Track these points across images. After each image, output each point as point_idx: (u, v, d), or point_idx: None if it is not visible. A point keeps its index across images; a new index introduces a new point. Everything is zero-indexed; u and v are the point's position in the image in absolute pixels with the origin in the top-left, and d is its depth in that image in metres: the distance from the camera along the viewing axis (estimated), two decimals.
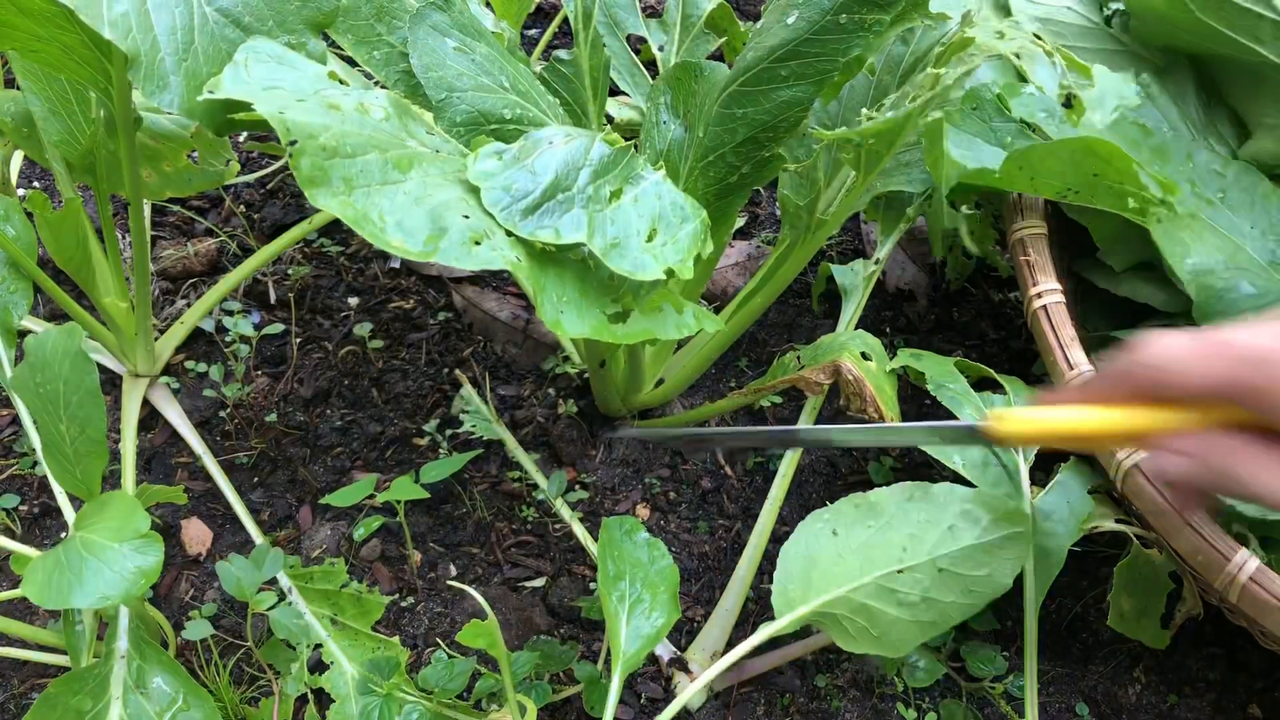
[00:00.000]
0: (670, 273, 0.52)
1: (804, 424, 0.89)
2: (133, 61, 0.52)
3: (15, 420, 0.99)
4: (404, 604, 0.88)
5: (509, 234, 0.50)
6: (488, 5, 1.16)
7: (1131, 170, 0.75)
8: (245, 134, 1.29)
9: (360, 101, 0.52)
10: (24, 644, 0.83)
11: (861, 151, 0.79)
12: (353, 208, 0.46)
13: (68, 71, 0.73)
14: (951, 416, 0.83)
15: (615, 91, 1.09)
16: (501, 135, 0.66)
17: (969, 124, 0.85)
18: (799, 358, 0.83)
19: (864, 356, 0.79)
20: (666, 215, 0.53)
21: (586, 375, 1.03)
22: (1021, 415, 0.47)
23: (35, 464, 0.95)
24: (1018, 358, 1.07)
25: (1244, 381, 0.42)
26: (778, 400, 1.02)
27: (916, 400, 1.03)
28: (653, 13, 1.00)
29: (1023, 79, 0.88)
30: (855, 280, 0.95)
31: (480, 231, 0.49)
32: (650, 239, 0.52)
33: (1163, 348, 0.44)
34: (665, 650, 0.84)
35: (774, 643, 0.75)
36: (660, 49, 0.98)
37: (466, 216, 0.49)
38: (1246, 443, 0.43)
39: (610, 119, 1.08)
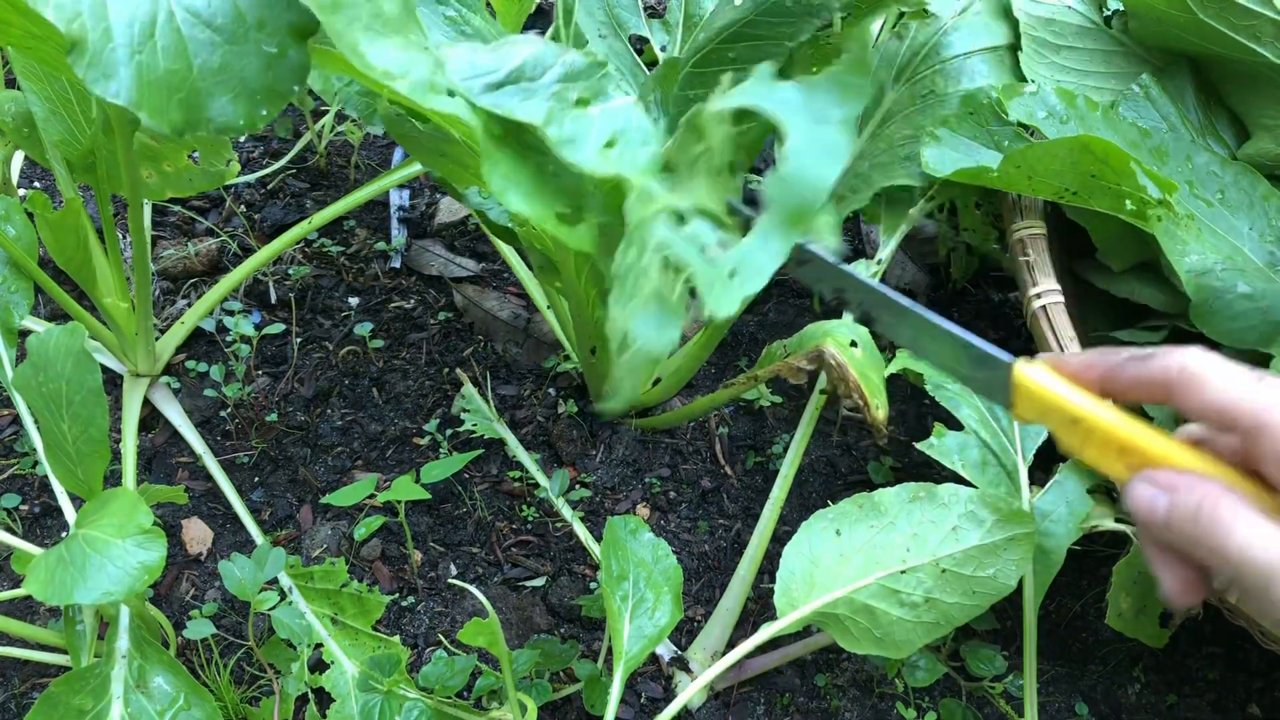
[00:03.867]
0: (620, 179, 0.52)
1: (807, 422, 0.89)
2: (75, 46, 0.49)
3: (16, 420, 0.99)
4: (404, 603, 0.88)
5: (471, 106, 0.50)
6: (488, 3, 1.16)
7: (1129, 170, 0.75)
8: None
9: None
10: (25, 643, 0.83)
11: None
12: (335, 19, 0.47)
13: (66, 70, 0.72)
14: (951, 417, 0.84)
15: None
16: None
17: (966, 128, 0.86)
18: (785, 346, 0.83)
19: (852, 344, 0.79)
20: (629, 133, 0.52)
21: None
22: (1044, 381, 0.45)
23: (36, 464, 0.95)
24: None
25: (1258, 416, 0.39)
26: (778, 400, 1.02)
27: (916, 400, 1.03)
28: (656, 13, 1.00)
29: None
30: None
31: (443, 87, 0.49)
32: (608, 146, 0.51)
33: (1206, 357, 0.41)
34: (666, 650, 0.84)
35: (774, 642, 0.75)
36: (663, 49, 0.98)
37: (434, 73, 0.50)
38: (1234, 492, 0.40)
39: None
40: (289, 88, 0.52)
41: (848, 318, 0.89)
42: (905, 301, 0.50)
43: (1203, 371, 0.41)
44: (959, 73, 0.89)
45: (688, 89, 0.75)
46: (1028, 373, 0.45)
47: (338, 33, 0.47)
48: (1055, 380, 0.45)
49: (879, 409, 0.77)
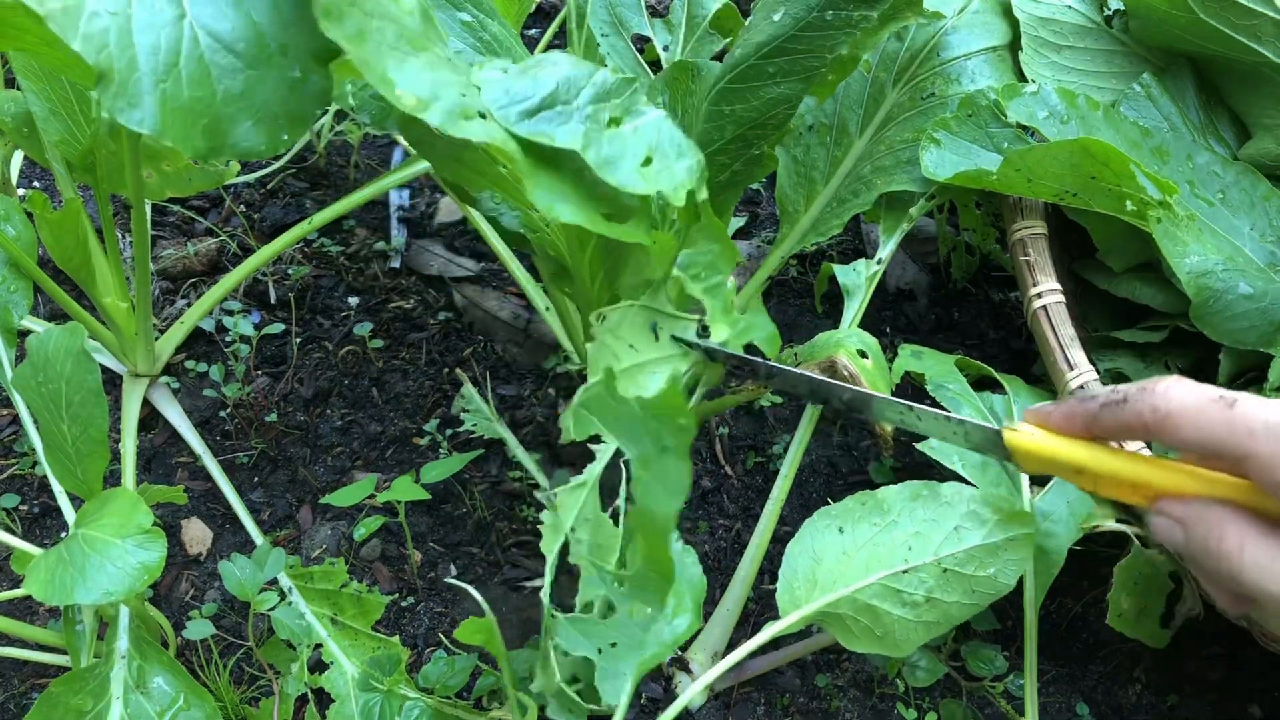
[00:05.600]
0: (660, 196, 0.53)
1: (807, 422, 0.89)
2: (102, 77, 0.49)
3: (15, 420, 0.99)
4: (404, 604, 0.88)
5: (504, 130, 0.51)
6: None
7: (1129, 171, 0.75)
8: None
9: None
10: (24, 644, 0.83)
11: None
12: (362, 49, 0.47)
13: (76, 73, 0.72)
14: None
15: None
16: None
17: (965, 130, 0.85)
18: (796, 354, 0.83)
19: (861, 354, 0.79)
20: (664, 147, 0.54)
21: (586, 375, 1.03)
22: (1037, 439, 0.47)
23: (35, 464, 0.95)
24: (1018, 357, 1.07)
25: (1240, 446, 0.40)
26: (778, 400, 1.02)
27: (917, 400, 1.03)
28: (657, 12, 1.00)
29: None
30: (858, 280, 0.94)
31: (474, 110, 0.49)
32: (645, 164, 0.52)
33: (1175, 394, 0.42)
34: None
35: (774, 642, 0.75)
36: (665, 49, 0.98)
37: (464, 95, 0.50)
38: (1240, 516, 0.41)
39: None
40: (311, 111, 0.52)
41: (848, 319, 0.89)
42: (883, 396, 0.57)
43: (1175, 411, 0.42)
44: (959, 74, 0.89)
45: (723, 104, 0.75)
46: (1018, 435, 0.48)
47: (366, 62, 0.47)
48: (1046, 437, 0.48)
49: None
